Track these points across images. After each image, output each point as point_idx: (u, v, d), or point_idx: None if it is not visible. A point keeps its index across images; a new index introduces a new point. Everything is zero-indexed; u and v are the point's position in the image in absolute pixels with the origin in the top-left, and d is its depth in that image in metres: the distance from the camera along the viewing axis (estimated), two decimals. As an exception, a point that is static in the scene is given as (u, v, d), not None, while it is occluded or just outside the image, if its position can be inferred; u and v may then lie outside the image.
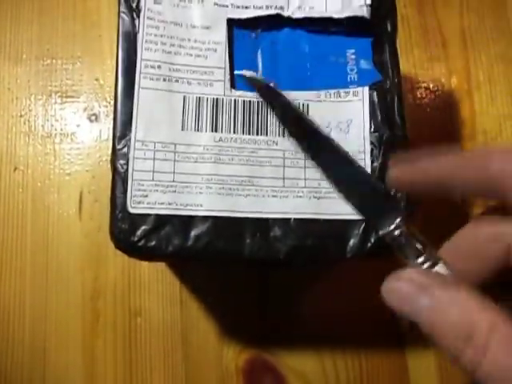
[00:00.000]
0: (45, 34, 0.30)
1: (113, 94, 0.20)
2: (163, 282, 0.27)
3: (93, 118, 0.29)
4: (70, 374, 0.26)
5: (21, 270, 0.27)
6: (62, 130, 0.29)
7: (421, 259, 0.14)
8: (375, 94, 0.21)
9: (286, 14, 0.21)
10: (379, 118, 0.21)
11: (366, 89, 0.21)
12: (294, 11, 0.21)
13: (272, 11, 0.21)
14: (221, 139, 0.20)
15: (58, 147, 0.29)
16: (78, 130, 0.29)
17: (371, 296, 0.26)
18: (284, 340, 0.27)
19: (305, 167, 0.20)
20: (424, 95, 0.30)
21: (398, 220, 0.15)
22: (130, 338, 0.27)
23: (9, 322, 0.27)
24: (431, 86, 0.30)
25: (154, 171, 0.20)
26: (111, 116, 0.20)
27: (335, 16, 0.21)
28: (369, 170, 0.20)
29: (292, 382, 0.27)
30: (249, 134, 0.20)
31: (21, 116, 0.29)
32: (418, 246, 0.15)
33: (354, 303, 0.27)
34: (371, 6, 0.21)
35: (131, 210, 0.19)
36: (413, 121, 0.29)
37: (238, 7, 0.21)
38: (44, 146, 0.29)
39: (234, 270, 0.27)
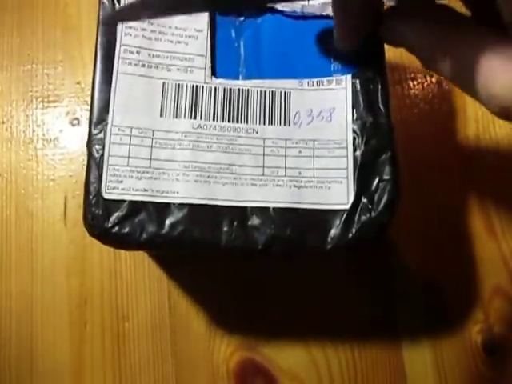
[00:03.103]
0: (25, 39, 0.30)
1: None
2: (151, 287, 0.27)
3: (75, 122, 0.29)
4: (58, 381, 0.26)
5: (6, 277, 0.27)
6: (44, 135, 0.29)
7: None
8: (358, 82, 0.20)
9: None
10: (362, 106, 0.20)
11: (349, 77, 0.20)
12: (277, -1, 0.21)
13: (255, -1, 0.21)
14: (200, 126, 0.20)
15: (40, 153, 0.29)
16: (60, 135, 0.29)
17: (361, 292, 0.26)
18: (275, 341, 0.26)
19: (285, 156, 0.20)
20: (413, 86, 0.29)
21: None
22: (119, 343, 0.26)
23: (-6, 331, 0.26)
24: (420, 76, 0.29)
25: (129, 157, 0.19)
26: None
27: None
28: (351, 159, 0.20)
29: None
30: (228, 121, 0.20)
31: (3, 123, 0.29)
32: None
33: (345, 300, 0.26)
34: None
35: (105, 196, 0.19)
36: (403, 112, 0.28)
37: (221, -6, 0.21)
38: (26, 152, 0.28)
39: (223, 273, 0.26)
